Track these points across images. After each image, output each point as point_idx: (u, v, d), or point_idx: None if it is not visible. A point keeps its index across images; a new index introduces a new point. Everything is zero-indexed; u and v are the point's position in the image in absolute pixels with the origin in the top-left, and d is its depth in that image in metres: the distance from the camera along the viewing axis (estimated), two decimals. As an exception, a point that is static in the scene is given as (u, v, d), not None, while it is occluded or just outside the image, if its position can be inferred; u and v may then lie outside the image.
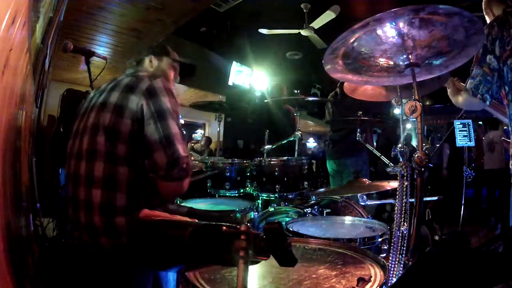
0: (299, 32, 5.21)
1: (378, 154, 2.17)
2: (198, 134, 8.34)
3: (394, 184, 1.83)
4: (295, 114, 2.55)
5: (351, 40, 1.16)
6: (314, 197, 2.16)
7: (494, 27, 1.55)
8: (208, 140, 7.22)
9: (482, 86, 1.54)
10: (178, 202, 1.95)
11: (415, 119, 1.18)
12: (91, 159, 1.12)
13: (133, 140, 1.13)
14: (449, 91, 1.79)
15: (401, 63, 1.23)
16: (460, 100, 1.69)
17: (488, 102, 1.58)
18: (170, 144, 1.12)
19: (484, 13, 1.74)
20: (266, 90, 5.55)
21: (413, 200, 1.22)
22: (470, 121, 3.43)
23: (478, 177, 4.70)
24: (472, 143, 3.49)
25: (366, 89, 1.79)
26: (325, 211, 2.04)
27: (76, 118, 1.28)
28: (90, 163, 1.12)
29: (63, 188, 2.32)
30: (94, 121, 1.16)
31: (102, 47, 4.56)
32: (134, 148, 1.13)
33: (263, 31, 5.20)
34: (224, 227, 0.60)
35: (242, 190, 2.14)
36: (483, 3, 1.75)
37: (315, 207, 2.07)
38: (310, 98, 2.79)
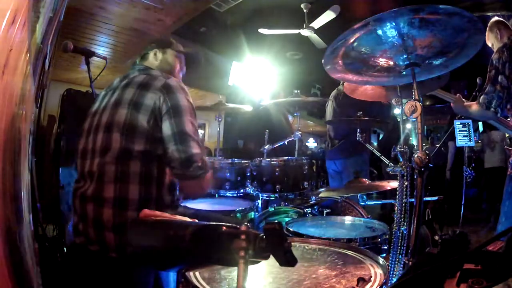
0: (299, 32, 5.20)
1: (378, 154, 2.17)
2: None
3: (394, 184, 1.83)
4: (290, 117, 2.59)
5: (351, 40, 1.16)
6: (314, 197, 2.16)
7: (504, 52, 1.84)
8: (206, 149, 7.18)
9: (495, 101, 1.79)
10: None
11: (415, 119, 1.18)
12: (106, 155, 1.12)
13: (148, 135, 1.14)
14: (454, 105, 1.99)
15: (401, 63, 1.23)
16: (472, 111, 1.92)
17: (499, 114, 1.83)
18: (183, 140, 1.14)
19: (488, 29, 1.99)
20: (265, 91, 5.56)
21: (413, 200, 1.22)
22: (470, 121, 3.43)
23: (478, 177, 4.71)
24: (472, 143, 3.49)
25: (366, 89, 1.79)
26: (325, 211, 2.04)
27: (87, 116, 1.29)
28: (105, 159, 1.12)
29: (64, 188, 2.32)
30: (109, 119, 1.16)
31: (102, 47, 4.55)
32: (149, 143, 1.14)
33: (263, 31, 5.20)
34: (224, 227, 0.60)
35: (242, 190, 2.13)
36: (490, 22, 2.00)
37: (315, 207, 2.07)
38: (311, 98, 2.81)
